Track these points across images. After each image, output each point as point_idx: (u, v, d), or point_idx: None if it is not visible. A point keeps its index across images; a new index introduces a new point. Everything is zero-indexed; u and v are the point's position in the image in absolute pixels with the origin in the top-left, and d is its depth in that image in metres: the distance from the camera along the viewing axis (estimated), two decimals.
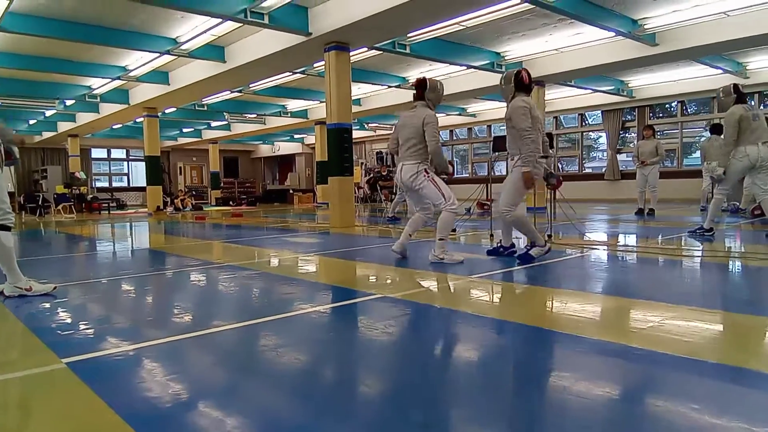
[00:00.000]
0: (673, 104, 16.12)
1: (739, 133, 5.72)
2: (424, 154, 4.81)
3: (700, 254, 5.21)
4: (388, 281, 4.22)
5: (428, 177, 4.79)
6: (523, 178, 4.41)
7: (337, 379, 2.15)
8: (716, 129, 9.94)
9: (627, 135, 17.25)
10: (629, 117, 16.72)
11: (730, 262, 4.73)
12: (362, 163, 23.54)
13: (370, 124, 21.25)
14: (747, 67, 12.78)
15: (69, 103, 15.40)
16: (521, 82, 4.49)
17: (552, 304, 3.37)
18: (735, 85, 6.04)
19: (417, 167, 4.78)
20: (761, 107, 14.38)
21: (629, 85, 14.80)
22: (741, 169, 5.84)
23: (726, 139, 5.91)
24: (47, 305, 3.50)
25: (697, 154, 15.77)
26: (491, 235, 6.68)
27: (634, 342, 2.39)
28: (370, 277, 4.51)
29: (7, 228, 3.63)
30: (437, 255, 4.75)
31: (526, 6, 8.17)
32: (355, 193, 13.11)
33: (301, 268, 5.10)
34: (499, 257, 4.95)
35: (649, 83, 14.58)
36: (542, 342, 2.51)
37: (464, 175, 21.92)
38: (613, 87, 14.32)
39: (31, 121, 19.18)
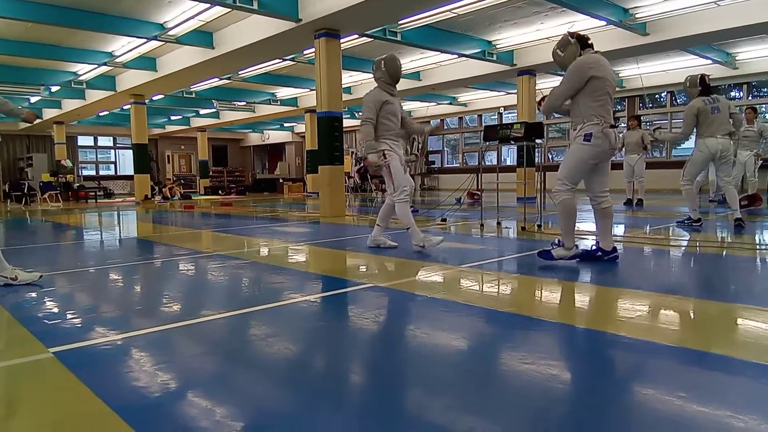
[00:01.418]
0: (662, 95, 16.19)
1: (698, 125, 5.91)
2: (382, 136, 4.72)
3: (687, 244, 5.26)
4: (377, 271, 4.21)
5: (385, 161, 4.69)
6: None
7: (326, 368, 2.14)
8: None
9: (617, 125, 17.32)
10: (619, 107, 16.78)
11: (718, 252, 4.78)
12: (353, 152, 23.47)
13: (360, 113, 21.15)
14: (736, 58, 12.85)
15: (54, 89, 15.17)
16: (582, 39, 3.91)
17: (538, 293, 3.38)
18: (702, 76, 6.14)
19: (370, 149, 4.71)
20: (749, 98, 14.50)
21: (619, 75, 14.84)
22: (702, 161, 6.09)
23: (682, 129, 6.18)
24: (34, 294, 3.45)
25: (686, 144, 15.91)
26: (481, 225, 6.69)
27: (622, 331, 2.40)
28: (360, 267, 4.50)
29: None
30: (374, 238, 5.00)
31: None
32: (346, 182, 13.06)
33: (291, 258, 5.08)
34: (593, 260, 4.07)
35: (638, 73, 14.61)
36: (524, 328, 2.52)
37: (455, 165, 21.93)
38: None
39: None
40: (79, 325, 2.72)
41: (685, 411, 1.62)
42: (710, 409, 1.64)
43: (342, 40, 9.39)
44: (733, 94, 15.21)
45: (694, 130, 6.14)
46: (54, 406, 1.77)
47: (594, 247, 4.11)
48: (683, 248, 5.03)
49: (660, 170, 14.91)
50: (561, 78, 3.95)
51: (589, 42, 3.92)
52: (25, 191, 16.58)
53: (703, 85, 6.06)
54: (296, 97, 18.19)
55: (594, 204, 4.03)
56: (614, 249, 4.04)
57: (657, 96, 16.48)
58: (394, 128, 4.81)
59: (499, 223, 6.99)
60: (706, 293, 3.28)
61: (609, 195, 3.97)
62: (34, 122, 4.00)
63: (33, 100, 17.25)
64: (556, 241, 4.06)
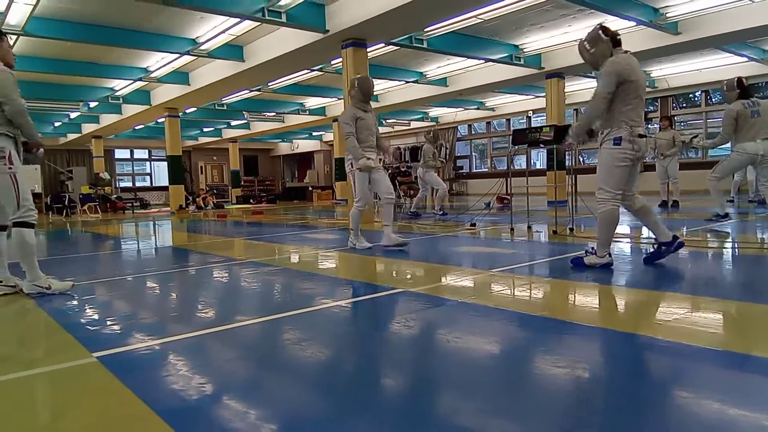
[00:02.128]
0: (696, 94, 15.80)
1: (737, 129, 5.82)
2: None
3: (725, 245, 5.12)
4: (408, 276, 4.23)
5: (351, 171, 5.42)
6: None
7: (358, 372, 2.17)
8: None
9: (650, 126, 16.96)
10: (652, 108, 16.42)
11: (757, 253, 4.64)
12: (380, 160, 23.55)
13: (388, 120, 21.24)
14: None
15: (92, 104, 15.70)
16: (613, 37, 3.77)
17: (571, 296, 3.35)
18: (739, 80, 6.02)
19: (347, 160, 5.53)
20: None
21: (651, 75, 14.53)
22: (737, 164, 6.12)
23: (722, 133, 6.16)
24: (76, 302, 3.58)
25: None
26: (512, 230, 6.64)
27: (659, 334, 2.37)
28: (391, 272, 4.52)
29: (30, 225, 3.71)
30: (351, 242, 5.67)
31: None
32: None
33: (322, 264, 5.14)
34: (663, 257, 4.01)
35: (672, 73, 14.30)
36: (558, 332, 2.50)
37: (483, 170, 21.79)
38: None
39: (56, 123, 19.60)
40: (120, 331, 2.81)
41: (723, 414, 1.59)
42: (749, 412, 1.60)
43: (368, 49, 9.48)
44: None
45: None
46: (99, 408, 1.85)
47: (655, 248, 4.02)
48: (721, 250, 4.90)
49: (696, 171, 14.51)
50: (591, 79, 3.93)
51: (619, 39, 3.80)
52: (66, 203, 17.17)
53: (741, 88, 5.94)
54: (324, 107, 18.40)
55: (627, 206, 3.96)
56: (675, 238, 3.94)
57: (691, 95, 16.08)
58: (367, 141, 5.49)
59: (529, 227, 6.92)
60: (745, 295, 3.19)
61: (639, 195, 3.93)
62: (39, 155, 3.97)
63: (72, 115, 17.90)
64: (590, 249, 4.01)
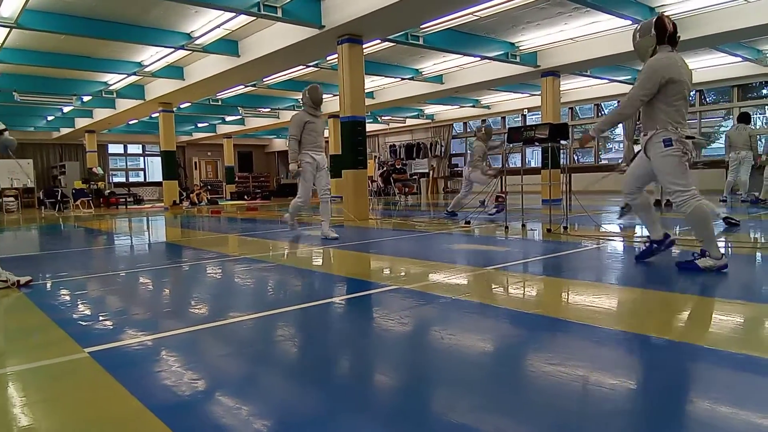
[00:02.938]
0: (691, 93, 15.86)
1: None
2: (305, 147, 6.20)
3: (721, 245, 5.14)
4: (402, 273, 4.23)
5: (300, 169, 6.18)
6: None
7: (352, 369, 2.17)
8: (743, 118, 9.76)
9: (692, 135, 17.01)
10: None
11: (755, 254, 4.67)
12: (376, 157, 23.56)
13: (383, 117, 21.22)
14: (767, 55, 12.52)
15: (86, 99, 15.59)
16: (663, 31, 3.62)
17: (564, 294, 3.35)
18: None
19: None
20: None
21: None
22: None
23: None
24: (68, 297, 3.56)
25: (716, 144, 15.55)
26: (506, 227, 6.66)
27: (650, 332, 2.37)
28: (384, 269, 4.52)
29: None
30: (324, 234, 6.35)
31: None
32: (369, 186, 13.11)
33: (315, 261, 5.13)
34: (654, 254, 4.04)
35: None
36: (551, 330, 2.50)
37: None
38: (630, 77, 14.12)
39: (49, 118, 19.46)
40: (112, 327, 2.80)
41: (717, 412, 1.60)
42: (742, 411, 1.61)
43: (364, 46, 9.46)
44: (764, 91, 14.82)
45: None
46: (91, 404, 1.83)
47: (647, 245, 4.03)
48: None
49: (691, 170, 14.56)
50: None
51: (671, 36, 3.62)
52: (59, 198, 17.06)
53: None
54: None
55: (633, 200, 3.95)
56: (666, 236, 3.94)
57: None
58: (316, 141, 6.25)
59: (524, 225, 6.94)
60: (741, 294, 3.21)
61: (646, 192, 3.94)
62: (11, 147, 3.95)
63: (66, 110, 17.77)
64: (698, 252, 3.62)
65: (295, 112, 6.34)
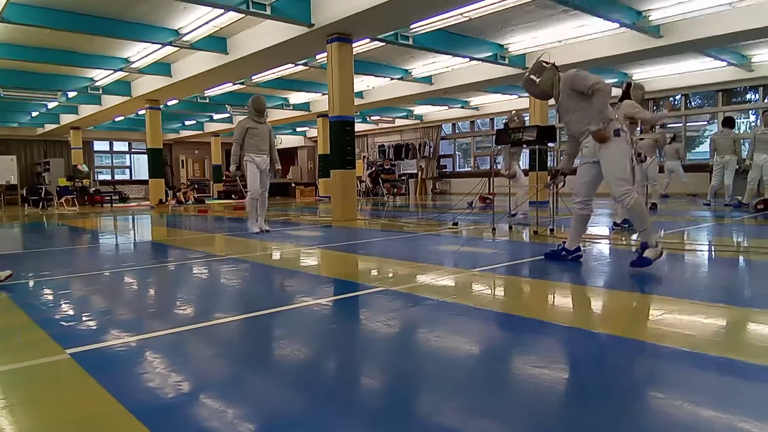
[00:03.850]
0: (677, 97, 16.04)
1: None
2: (248, 150, 7.09)
3: (703, 248, 5.20)
4: (389, 274, 4.22)
5: (244, 168, 7.14)
6: (596, 137, 3.84)
7: (338, 371, 2.16)
8: (727, 122, 9.89)
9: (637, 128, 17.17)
10: None
11: (738, 257, 4.72)
12: (364, 157, 23.53)
13: (372, 117, 21.21)
14: (752, 60, 12.70)
15: (71, 95, 15.40)
16: (554, 64, 4.12)
17: (550, 297, 3.37)
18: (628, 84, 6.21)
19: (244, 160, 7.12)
20: (765, 100, 14.31)
21: (633, 78, 14.71)
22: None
23: None
24: (51, 297, 3.51)
25: (701, 148, 15.74)
26: (493, 229, 6.68)
27: (633, 334, 2.39)
28: (372, 270, 4.51)
29: None
30: (249, 224, 7.37)
31: None
32: (357, 186, 13.09)
33: (303, 261, 5.11)
34: (560, 262, 4.27)
35: (653, 76, 14.50)
36: (536, 332, 2.51)
37: (466, 169, 21.89)
38: (617, 80, 14.24)
39: (34, 113, 19.19)
40: (95, 327, 2.76)
41: (697, 415, 1.61)
42: (723, 413, 1.62)
43: (354, 45, 9.44)
44: (749, 96, 15.02)
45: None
46: (71, 406, 1.80)
47: (559, 247, 4.34)
48: (697, 252, 4.97)
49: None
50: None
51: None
52: (42, 195, 16.83)
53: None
54: (308, 102, 18.29)
55: (581, 209, 4.17)
56: (578, 248, 4.28)
57: (671, 99, 16.33)
58: (258, 146, 7.12)
59: (511, 227, 6.96)
60: (721, 297, 3.24)
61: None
62: None
63: (50, 105, 17.54)
64: (640, 246, 3.86)
65: (241, 118, 7.36)
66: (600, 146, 3.89)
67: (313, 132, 24.66)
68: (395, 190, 19.41)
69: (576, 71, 3.94)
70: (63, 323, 2.84)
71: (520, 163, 8.92)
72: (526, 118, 16.02)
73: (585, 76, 3.86)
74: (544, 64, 4.09)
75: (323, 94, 15.68)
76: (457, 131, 22.14)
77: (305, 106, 18.48)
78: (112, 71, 12.66)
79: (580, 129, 4.02)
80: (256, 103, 7.16)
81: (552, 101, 4.33)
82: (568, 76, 3.95)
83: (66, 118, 19.52)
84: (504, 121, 8.88)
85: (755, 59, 12.65)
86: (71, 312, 3.14)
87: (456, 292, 3.45)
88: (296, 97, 17.54)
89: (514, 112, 8.83)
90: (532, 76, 4.09)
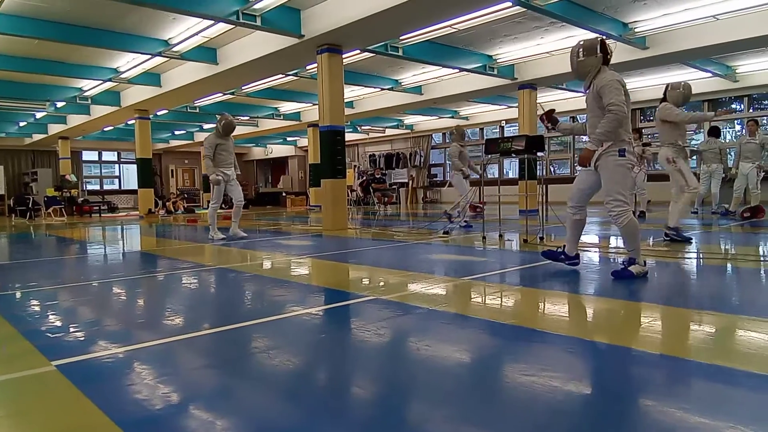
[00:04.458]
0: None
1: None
2: (218, 165, 7.56)
3: (689, 256, 5.25)
4: (380, 283, 4.21)
5: (211, 182, 7.59)
6: (580, 158, 3.94)
7: (328, 381, 2.15)
8: (713, 131, 10.03)
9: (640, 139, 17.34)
10: None
11: (725, 264, 4.77)
12: (355, 166, 23.55)
13: (363, 127, 21.26)
14: (736, 71, 12.90)
15: (60, 105, 15.30)
16: (607, 55, 3.91)
17: (541, 305, 3.38)
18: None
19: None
20: (750, 110, 14.54)
21: None
22: None
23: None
24: (37, 308, 3.46)
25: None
26: (483, 238, 6.70)
27: (625, 343, 2.40)
28: (362, 280, 4.51)
29: None
30: (232, 233, 7.88)
31: (518, 9, 8.21)
32: (348, 195, 13.08)
33: (293, 271, 5.09)
34: (554, 266, 4.37)
35: (639, 86, 14.69)
36: (526, 340, 2.52)
37: None
38: None
39: (21, 123, 19.03)
40: (82, 339, 2.73)
41: (686, 422, 1.62)
42: (712, 420, 1.63)
43: (344, 56, 9.48)
44: (734, 106, 15.24)
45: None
46: (56, 419, 1.78)
47: (558, 249, 4.37)
48: (686, 260, 5.02)
49: (663, 182, 14.89)
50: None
51: (609, 59, 3.94)
52: (30, 206, 16.65)
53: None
54: (299, 112, 18.30)
55: (573, 214, 4.20)
56: (577, 255, 4.32)
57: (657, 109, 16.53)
58: (226, 160, 7.63)
59: (501, 236, 6.99)
60: (708, 304, 3.27)
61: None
62: None
63: (38, 115, 17.40)
64: (627, 260, 3.93)
65: (208, 135, 7.76)
66: (599, 160, 3.88)
67: (303, 141, 24.65)
68: (386, 199, 19.42)
69: (612, 80, 3.79)
70: (49, 335, 2.81)
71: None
72: (513, 128, 16.15)
73: (611, 90, 3.74)
74: (598, 49, 3.88)
75: (314, 104, 15.70)
76: (447, 140, 22.24)
77: (296, 116, 18.49)
78: (101, 81, 12.60)
79: (588, 133, 4.03)
80: (227, 128, 7.58)
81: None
82: (603, 80, 3.81)
83: (54, 128, 19.37)
84: (451, 133, 9.47)
85: (740, 70, 12.86)
86: (58, 323, 3.10)
87: (446, 300, 3.45)
88: (287, 107, 17.55)
89: (455, 126, 9.33)
90: (581, 50, 3.92)
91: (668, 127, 5.87)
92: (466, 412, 1.74)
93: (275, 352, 2.44)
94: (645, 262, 3.95)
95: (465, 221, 8.80)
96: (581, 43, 3.98)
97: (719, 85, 13.52)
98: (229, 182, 7.70)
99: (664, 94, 6.02)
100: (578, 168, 4.23)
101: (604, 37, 4.04)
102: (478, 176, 8.45)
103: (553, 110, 4.61)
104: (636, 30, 9.54)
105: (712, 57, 11.55)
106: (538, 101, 12.78)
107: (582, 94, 15.55)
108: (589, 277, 4.19)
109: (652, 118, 16.82)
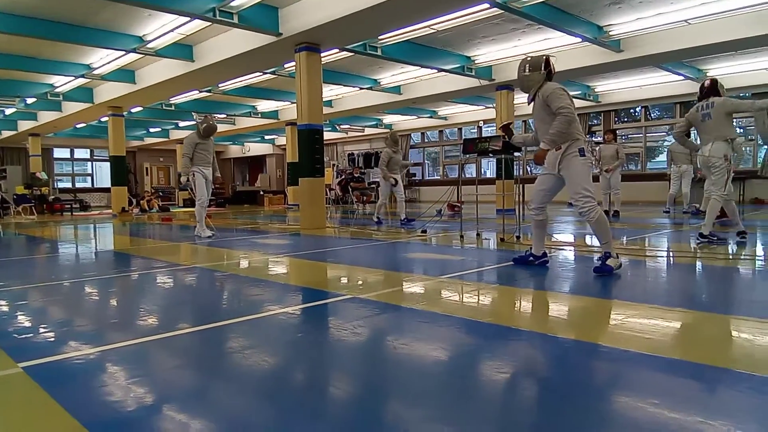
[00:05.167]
0: (637, 109, 16.55)
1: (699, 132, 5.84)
2: (196, 164, 7.72)
3: (663, 254, 5.36)
4: (358, 282, 4.21)
5: (192, 180, 7.76)
6: (534, 157, 4.14)
7: (305, 380, 2.13)
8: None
9: (593, 138, 17.62)
10: (595, 121, 17.11)
11: (695, 263, 4.88)
12: (334, 165, 23.47)
13: (341, 126, 21.20)
14: (707, 74, 13.21)
15: (30, 101, 14.92)
16: (551, 71, 4.24)
17: (517, 303, 3.42)
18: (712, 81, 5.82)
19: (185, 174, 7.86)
20: None
21: (595, 90, 15.14)
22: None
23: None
24: (5, 309, 3.37)
25: (660, 157, 16.27)
26: (461, 236, 6.74)
27: (599, 340, 2.44)
28: (340, 278, 4.49)
29: None
30: (197, 232, 7.89)
31: (495, 11, 8.28)
32: (327, 194, 13.03)
33: (270, 270, 5.05)
34: (528, 266, 4.43)
35: (614, 89, 14.95)
36: (502, 338, 2.54)
37: (435, 177, 22.06)
38: (579, 92, 14.63)
39: None
40: (52, 339, 2.66)
41: (657, 417, 1.65)
42: (682, 415, 1.67)
43: (323, 54, 9.44)
44: None
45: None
46: (21, 422, 1.73)
47: (526, 253, 4.52)
48: (659, 259, 5.12)
49: (636, 183, 15.20)
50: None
51: (552, 75, 4.28)
52: None
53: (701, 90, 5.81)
54: (277, 110, 18.17)
55: (537, 215, 4.35)
56: (544, 254, 4.47)
57: (632, 110, 16.85)
58: (205, 159, 7.80)
59: (478, 235, 7.04)
60: (681, 302, 3.34)
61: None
62: None
63: (8, 112, 16.96)
64: (603, 255, 4.05)
65: (188, 134, 7.93)
66: (562, 163, 4.07)
67: (281, 140, 24.49)
68: (365, 198, 19.39)
69: (556, 88, 4.05)
70: (16, 336, 2.73)
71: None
72: (491, 128, 16.24)
73: (558, 96, 3.99)
74: (542, 67, 4.20)
75: (292, 103, 15.60)
76: (426, 140, 22.32)
77: (274, 114, 18.35)
78: (74, 77, 12.32)
79: (539, 139, 4.25)
80: (208, 131, 7.77)
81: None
82: (548, 89, 4.07)
83: (24, 125, 18.89)
84: (385, 139, 9.88)
85: (711, 73, 13.15)
86: (26, 324, 3.02)
87: (424, 299, 3.46)
88: (264, 105, 17.41)
89: (390, 133, 9.76)
90: (527, 65, 4.24)
91: (729, 121, 5.66)
92: (443, 411, 1.74)
93: (251, 351, 2.42)
94: (618, 255, 4.12)
95: (377, 218, 9.77)
96: (527, 59, 4.30)
97: (690, 88, 13.81)
98: (206, 181, 7.83)
99: (711, 89, 5.72)
100: (537, 170, 4.42)
101: (549, 55, 4.33)
102: (395, 181, 9.39)
103: (511, 123, 5.18)
104: (611, 33, 9.70)
105: (684, 60, 11.81)
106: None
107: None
108: (564, 275, 4.24)
109: (626, 119, 17.14)
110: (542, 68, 4.19)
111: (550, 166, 4.17)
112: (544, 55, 4.30)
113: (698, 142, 5.95)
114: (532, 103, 4.32)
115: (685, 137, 6.22)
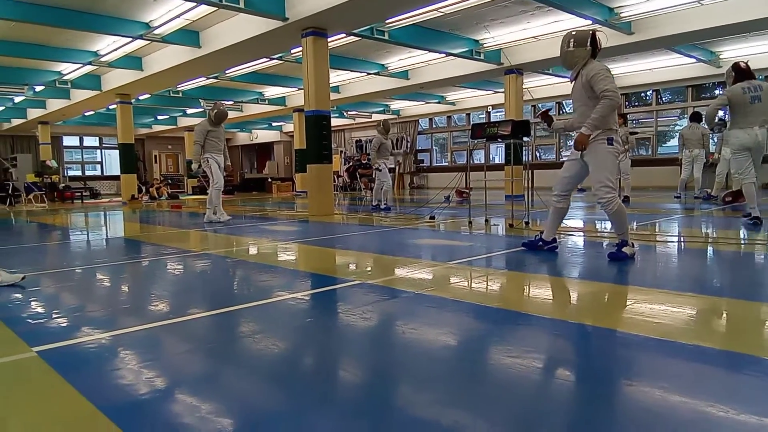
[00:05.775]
0: (648, 93, 16.34)
1: (734, 115, 5.70)
2: (208, 150, 7.82)
3: (674, 239, 5.32)
4: (367, 268, 4.21)
5: (207, 166, 7.84)
6: (575, 142, 3.95)
7: (314, 365, 2.15)
8: (696, 117, 10.11)
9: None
10: None
11: (706, 248, 4.84)
12: (341, 152, 23.44)
13: (349, 112, 21.11)
14: (720, 57, 13.00)
15: (39, 89, 14.97)
16: (596, 48, 3.97)
17: (526, 288, 3.41)
18: (736, 64, 5.77)
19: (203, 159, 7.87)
20: None
21: None
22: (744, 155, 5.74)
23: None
24: (19, 295, 3.41)
25: (671, 142, 16.08)
26: (470, 223, 6.72)
27: (609, 324, 2.43)
28: (349, 264, 4.50)
29: None
30: (207, 219, 8.08)
31: None
32: (335, 181, 13.03)
33: (279, 256, 5.07)
34: (537, 252, 4.39)
35: (624, 72, 14.74)
36: (511, 323, 2.54)
37: (443, 164, 21.97)
38: None
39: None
40: (65, 325, 2.69)
41: (666, 401, 1.64)
42: (693, 400, 1.66)
43: (329, 39, 9.37)
44: (717, 92, 15.38)
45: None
46: (37, 405, 1.75)
47: (536, 237, 4.50)
48: (669, 244, 5.09)
49: (647, 168, 15.06)
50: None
51: (598, 52, 4.02)
52: (10, 192, 16.36)
53: (738, 71, 5.70)
54: (284, 96, 18.11)
55: (558, 202, 4.26)
56: (554, 240, 4.42)
57: (642, 94, 16.64)
58: (217, 146, 7.89)
59: (487, 221, 7.02)
60: (692, 287, 3.32)
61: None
62: None
63: (17, 100, 17.03)
64: (620, 242, 4.01)
65: (199, 121, 7.98)
66: (588, 150, 3.93)
67: (289, 127, 24.44)
68: (372, 184, 19.40)
69: (601, 68, 3.84)
70: (30, 321, 2.77)
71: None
72: (500, 113, 16.12)
73: (604, 78, 3.79)
74: (587, 42, 3.95)
75: (299, 89, 15.52)
76: (434, 126, 22.20)
77: (281, 101, 18.30)
78: (81, 65, 12.34)
79: (580, 123, 4.02)
80: (219, 117, 7.83)
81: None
82: (593, 69, 3.86)
83: (33, 113, 18.98)
84: (378, 124, 10.03)
85: (723, 55, 12.95)
86: (40, 309, 3.06)
87: (432, 284, 3.46)
88: (271, 92, 17.36)
89: (382, 120, 9.92)
90: (571, 41, 3.98)
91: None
92: (452, 396, 1.75)
93: (261, 336, 2.44)
94: (633, 243, 4.09)
95: (384, 204, 9.70)
96: (573, 33, 4.04)
97: (703, 71, 13.63)
98: (221, 167, 7.96)
99: (750, 71, 5.62)
100: (564, 155, 4.31)
101: (596, 29, 4.07)
102: (394, 165, 9.49)
103: (549, 110, 4.86)
104: (621, 15, 9.55)
105: (696, 42, 11.62)
106: (525, 87, 12.80)
107: (567, 80, 15.62)
108: (574, 261, 4.22)
109: (637, 103, 16.93)
110: (587, 44, 3.94)
111: (576, 152, 4.04)
112: (590, 30, 4.06)
113: (730, 122, 5.81)
114: (573, 83, 4.09)
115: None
